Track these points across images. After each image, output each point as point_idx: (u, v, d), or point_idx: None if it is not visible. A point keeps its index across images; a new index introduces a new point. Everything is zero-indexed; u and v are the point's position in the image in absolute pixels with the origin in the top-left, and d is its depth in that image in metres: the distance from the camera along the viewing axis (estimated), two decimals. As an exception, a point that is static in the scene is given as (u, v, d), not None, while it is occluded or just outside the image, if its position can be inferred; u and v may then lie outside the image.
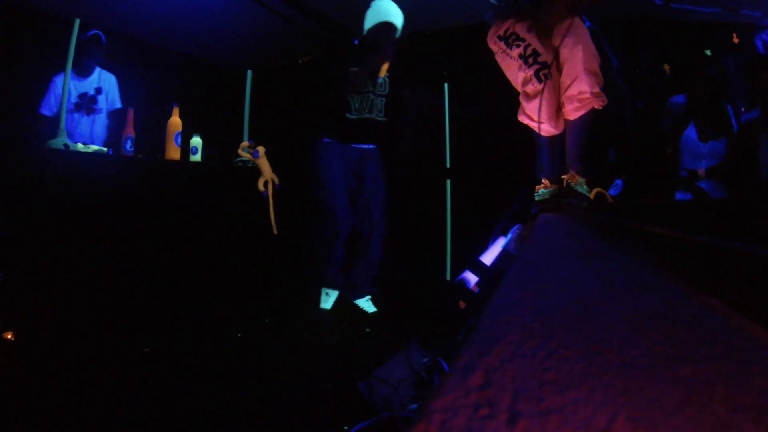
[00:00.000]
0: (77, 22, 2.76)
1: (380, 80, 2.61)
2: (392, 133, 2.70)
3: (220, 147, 3.19)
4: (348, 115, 2.60)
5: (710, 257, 0.49)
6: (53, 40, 2.89)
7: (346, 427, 1.31)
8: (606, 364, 0.30)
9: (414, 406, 1.31)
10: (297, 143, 3.32)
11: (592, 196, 1.82)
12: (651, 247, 0.70)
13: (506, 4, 2.00)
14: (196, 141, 2.71)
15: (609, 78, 2.66)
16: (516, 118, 2.07)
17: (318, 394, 1.59)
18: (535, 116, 1.94)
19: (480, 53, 2.24)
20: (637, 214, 1.03)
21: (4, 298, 1.82)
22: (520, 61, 1.93)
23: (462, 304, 1.80)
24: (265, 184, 2.76)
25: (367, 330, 2.41)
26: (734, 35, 2.86)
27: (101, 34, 2.97)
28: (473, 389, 0.27)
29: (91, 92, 3.04)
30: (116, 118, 3.10)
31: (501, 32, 1.99)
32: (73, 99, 2.96)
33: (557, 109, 1.94)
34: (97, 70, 3.08)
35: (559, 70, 1.88)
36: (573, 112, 1.84)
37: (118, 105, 3.15)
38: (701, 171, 2.72)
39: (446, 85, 3.45)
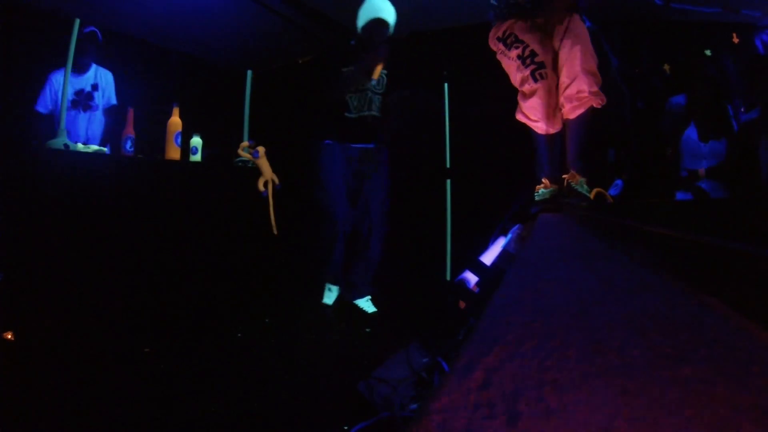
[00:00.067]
0: (77, 22, 2.76)
1: (378, 78, 2.62)
2: (391, 130, 2.69)
3: (220, 147, 3.19)
4: (347, 114, 2.61)
5: (710, 257, 0.49)
6: (52, 39, 2.90)
7: (346, 427, 1.31)
8: (606, 364, 0.30)
9: (414, 406, 1.30)
10: (297, 143, 3.32)
11: (592, 196, 1.82)
12: (651, 247, 0.70)
13: (506, 5, 2.01)
14: (196, 141, 2.71)
15: (609, 78, 2.67)
16: (515, 118, 2.09)
17: (318, 394, 1.59)
18: (532, 115, 1.98)
19: (480, 53, 2.25)
20: (637, 214, 1.03)
21: (4, 298, 1.82)
22: (518, 62, 1.96)
23: (462, 304, 1.80)
24: (265, 184, 2.76)
25: (367, 330, 2.41)
26: (734, 35, 2.86)
27: (97, 31, 2.97)
28: (473, 389, 0.27)
29: (88, 89, 3.04)
30: (112, 114, 3.11)
31: (500, 33, 2.02)
32: (70, 96, 2.96)
33: (554, 109, 1.96)
34: (94, 66, 3.08)
35: (558, 71, 1.89)
36: (572, 111, 1.85)
37: (114, 102, 3.16)
38: (701, 171, 2.72)
39: (446, 85, 3.45)
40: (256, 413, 1.43)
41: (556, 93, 1.93)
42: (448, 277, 3.31)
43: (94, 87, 3.06)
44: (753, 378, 0.27)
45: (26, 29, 2.90)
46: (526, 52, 1.92)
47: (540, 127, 1.99)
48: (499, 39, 2.02)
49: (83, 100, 3.01)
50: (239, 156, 2.81)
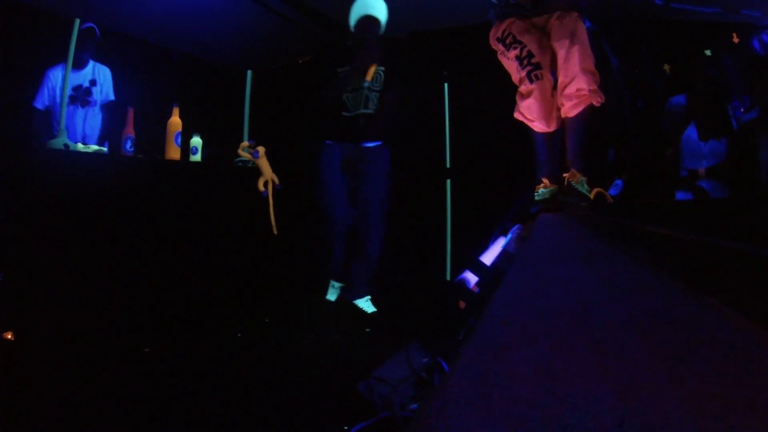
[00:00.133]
0: (77, 22, 2.76)
1: (374, 76, 2.62)
2: (387, 127, 2.70)
3: (220, 147, 3.19)
4: (345, 113, 2.62)
5: (710, 257, 0.49)
6: (51, 38, 2.90)
7: (346, 427, 1.31)
8: (606, 364, 0.30)
9: (414, 406, 1.31)
10: (297, 143, 3.32)
11: (592, 196, 1.82)
12: (651, 247, 0.70)
13: (506, 4, 2.02)
14: (196, 141, 2.71)
15: (609, 78, 2.67)
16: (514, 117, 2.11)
17: (318, 394, 1.59)
18: (528, 114, 2.02)
19: (480, 53, 2.25)
20: (637, 214, 1.03)
21: (4, 298, 1.82)
22: (517, 63, 1.99)
23: (462, 304, 1.80)
24: (265, 184, 2.76)
25: (367, 330, 2.41)
26: (734, 35, 2.85)
27: (95, 27, 2.97)
28: (473, 389, 0.27)
29: (86, 84, 3.04)
30: (110, 110, 3.11)
31: (499, 34, 2.04)
32: (68, 92, 2.96)
33: (550, 109, 1.99)
34: (91, 62, 3.09)
35: (557, 70, 1.91)
36: (572, 109, 1.86)
37: (112, 97, 3.16)
38: (702, 170, 2.72)
39: (446, 85, 3.45)
40: (256, 413, 1.43)
41: (552, 93, 1.96)
42: (448, 277, 3.31)
43: (92, 82, 3.06)
44: (753, 378, 0.27)
45: (26, 29, 2.90)
46: (524, 53, 1.96)
47: (537, 126, 2.02)
48: (498, 39, 2.05)
49: (81, 96, 3.01)
50: (239, 156, 2.81)
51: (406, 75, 2.79)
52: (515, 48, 1.97)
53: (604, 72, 1.92)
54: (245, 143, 2.84)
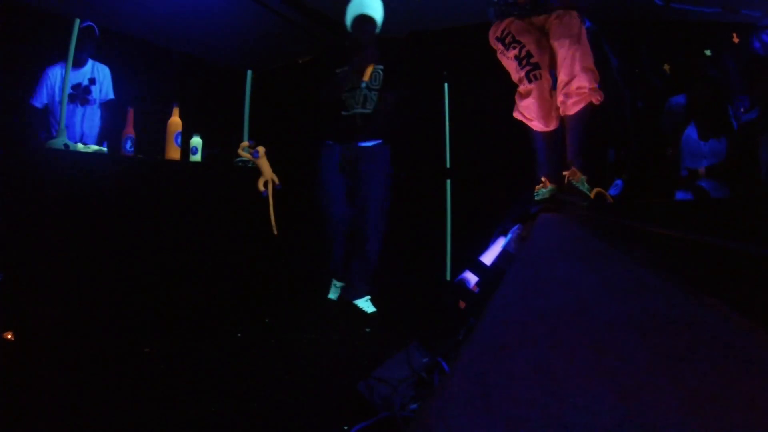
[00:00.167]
0: (77, 22, 2.76)
1: (373, 75, 2.63)
2: (384, 126, 2.70)
3: (220, 147, 3.19)
4: (343, 113, 2.62)
5: (710, 257, 0.49)
6: (50, 37, 2.90)
7: (346, 427, 1.31)
8: (606, 364, 0.30)
9: (414, 406, 1.31)
10: (297, 143, 3.32)
11: (592, 195, 1.83)
12: (651, 247, 0.70)
13: (505, 3, 2.03)
14: (196, 141, 2.71)
15: (609, 78, 2.67)
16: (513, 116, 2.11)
17: (318, 394, 1.59)
18: (527, 114, 2.03)
19: (480, 53, 2.25)
20: (637, 214, 1.03)
21: (4, 298, 1.82)
22: (516, 62, 2.00)
23: (462, 304, 1.80)
24: (265, 184, 2.76)
25: (367, 330, 2.41)
26: (734, 35, 2.86)
27: (94, 25, 2.97)
28: (473, 389, 0.27)
29: (85, 83, 3.04)
30: (110, 109, 3.11)
31: (499, 33, 2.04)
32: (67, 90, 2.96)
33: (549, 108, 1.99)
34: (90, 61, 3.09)
35: (557, 70, 1.91)
36: (572, 106, 1.87)
37: (112, 96, 3.16)
38: (702, 170, 2.72)
39: (446, 85, 3.45)
40: (256, 413, 1.43)
41: (550, 93, 1.97)
42: (448, 277, 3.31)
43: (92, 81, 3.06)
44: (753, 378, 0.27)
45: (26, 29, 2.90)
46: (523, 53, 1.97)
47: (536, 125, 2.03)
48: (498, 38, 2.05)
49: (80, 94, 3.01)
50: (239, 156, 2.81)
51: (405, 74, 2.80)
52: (514, 48, 1.98)
53: (603, 72, 1.93)
54: (245, 143, 2.84)
